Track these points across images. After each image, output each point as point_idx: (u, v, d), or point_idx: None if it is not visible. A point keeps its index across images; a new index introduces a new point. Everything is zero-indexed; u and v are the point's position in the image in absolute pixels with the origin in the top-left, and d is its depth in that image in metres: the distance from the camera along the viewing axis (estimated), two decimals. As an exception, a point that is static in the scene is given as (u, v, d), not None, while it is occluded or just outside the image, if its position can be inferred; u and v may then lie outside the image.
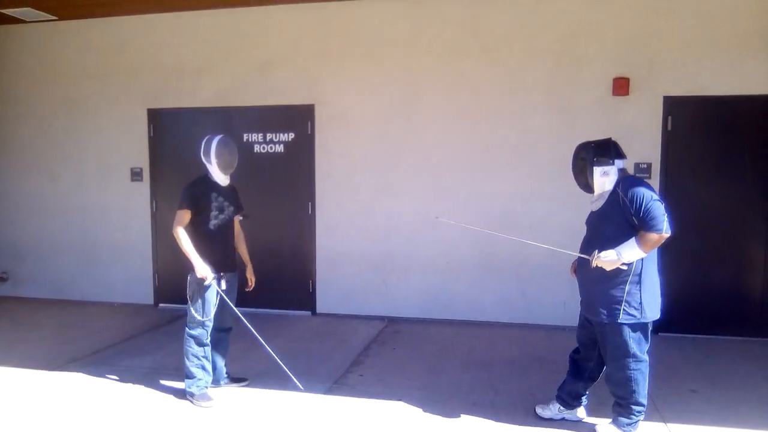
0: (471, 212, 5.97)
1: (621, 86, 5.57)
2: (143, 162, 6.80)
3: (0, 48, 7.11)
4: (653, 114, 5.57)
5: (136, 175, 6.83)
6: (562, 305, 5.81)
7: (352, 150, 6.26)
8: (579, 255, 3.52)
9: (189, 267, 3.99)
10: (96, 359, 5.01)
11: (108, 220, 6.96)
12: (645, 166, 5.53)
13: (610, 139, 3.54)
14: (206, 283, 3.96)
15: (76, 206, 7.04)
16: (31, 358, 5.00)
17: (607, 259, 3.30)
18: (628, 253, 3.28)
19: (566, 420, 3.73)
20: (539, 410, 3.82)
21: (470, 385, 4.41)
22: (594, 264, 3.34)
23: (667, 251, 5.52)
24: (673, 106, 5.54)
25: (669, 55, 5.51)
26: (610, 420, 3.55)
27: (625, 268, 3.31)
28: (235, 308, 4.16)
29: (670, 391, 4.22)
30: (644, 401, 3.44)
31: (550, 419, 3.75)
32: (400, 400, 4.11)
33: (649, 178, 5.50)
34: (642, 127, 5.60)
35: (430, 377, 4.58)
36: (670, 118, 5.55)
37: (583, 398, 3.74)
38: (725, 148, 5.51)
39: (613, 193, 3.40)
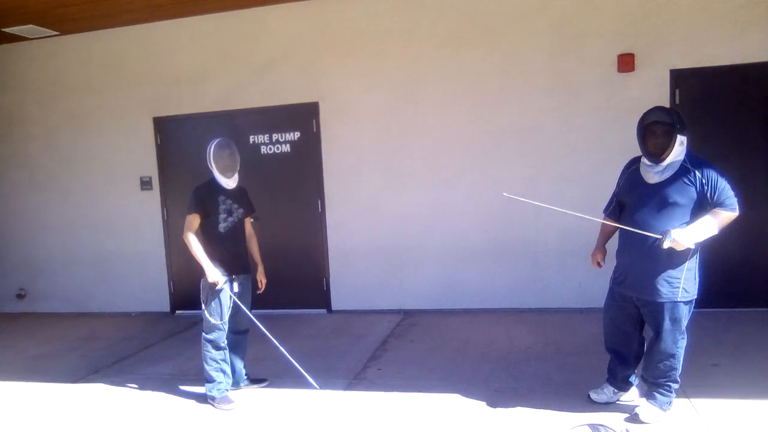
0: (481, 198, 5.95)
1: (626, 62, 5.50)
2: (152, 170, 6.84)
3: (5, 66, 7.17)
4: (660, 88, 5.49)
5: (145, 184, 6.86)
6: (578, 287, 5.79)
7: (359, 144, 6.25)
8: (651, 235, 3.24)
9: (202, 272, 4.01)
10: (117, 369, 5.05)
11: (120, 230, 7.01)
12: (653, 141, 5.47)
13: None
14: (218, 287, 3.97)
15: (88, 219, 7.10)
16: (53, 371, 5.05)
17: (684, 240, 3.14)
18: (704, 234, 3.19)
19: (620, 402, 3.68)
20: (593, 395, 3.74)
21: (490, 373, 4.39)
22: (667, 245, 3.14)
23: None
24: (680, 78, 5.47)
25: (673, 27, 5.43)
26: (648, 401, 3.48)
27: (693, 247, 3.22)
28: (248, 311, 4.17)
29: (691, 366, 4.15)
30: (678, 379, 3.44)
31: (606, 403, 3.68)
32: (420, 391, 4.11)
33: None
34: (649, 102, 5.43)
35: (449, 367, 4.57)
36: (677, 91, 5.48)
37: (633, 377, 3.68)
38: (736, 117, 5.44)
39: (683, 167, 3.24)
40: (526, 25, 5.75)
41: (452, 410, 3.79)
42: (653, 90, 5.49)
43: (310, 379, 4.01)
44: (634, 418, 3.42)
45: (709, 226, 3.20)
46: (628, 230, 3.36)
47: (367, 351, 5.07)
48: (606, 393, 3.71)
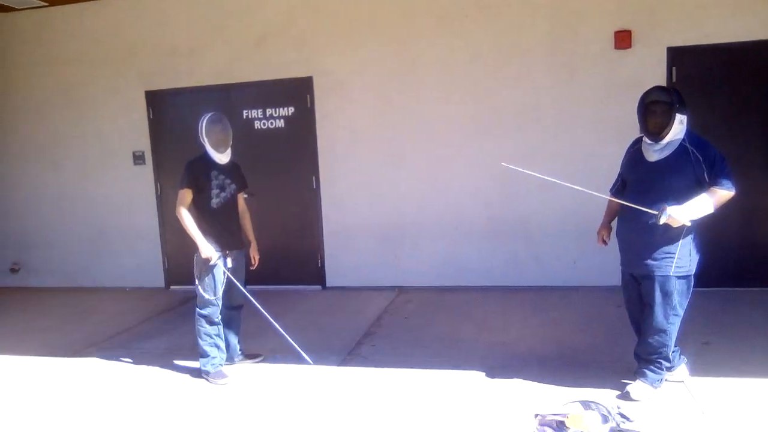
0: (478, 174, 5.93)
1: (623, 39, 5.46)
2: (145, 145, 6.78)
3: (-6, 38, 7.06)
4: (657, 66, 5.45)
5: (138, 158, 6.81)
6: (573, 265, 5.80)
7: (354, 120, 6.20)
8: (648, 211, 3.27)
9: (195, 247, 4.00)
10: (112, 343, 5.06)
11: (114, 205, 6.97)
12: (650, 119, 5.44)
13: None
14: (211, 263, 3.96)
15: (81, 193, 7.05)
16: (48, 345, 5.06)
17: (680, 216, 3.18)
18: (699, 211, 3.22)
19: (668, 381, 3.63)
20: None
21: (484, 349, 4.42)
22: (663, 221, 3.19)
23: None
24: (677, 56, 5.42)
25: (670, 4, 5.37)
26: (639, 378, 3.49)
27: (689, 224, 3.24)
28: (242, 287, 4.16)
29: (683, 344, 4.19)
30: (671, 358, 3.45)
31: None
32: (414, 367, 4.13)
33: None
34: (646, 80, 5.43)
35: (443, 344, 4.59)
36: (674, 69, 5.44)
37: (677, 355, 3.64)
38: (732, 96, 5.41)
39: (682, 145, 3.29)
40: (524, 1, 5.67)
41: (446, 386, 3.81)
42: (650, 67, 5.45)
43: (304, 355, 4.02)
44: (625, 396, 3.44)
45: (705, 204, 3.23)
46: (626, 207, 3.40)
47: (361, 327, 5.08)
48: None
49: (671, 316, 3.39)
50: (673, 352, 3.59)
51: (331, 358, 4.37)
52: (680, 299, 3.39)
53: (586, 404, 3.25)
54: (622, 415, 3.14)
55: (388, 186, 6.20)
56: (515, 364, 4.08)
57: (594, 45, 5.56)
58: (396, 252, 6.28)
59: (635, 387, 3.46)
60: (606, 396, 3.47)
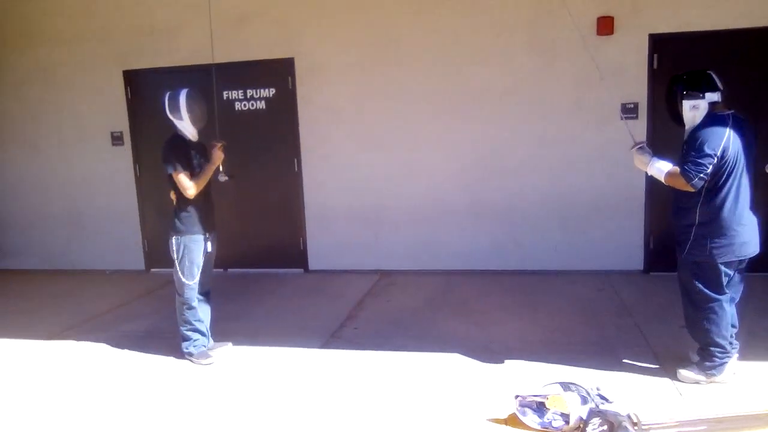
0: (459, 157, 5.94)
1: (605, 25, 5.47)
2: (123, 125, 6.67)
3: (-34, 15, 6.86)
4: (639, 52, 5.48)
5: (116, 139, 6.70)
6: (553, 250, 5.86)
7: (336, 103, 6.16)
8: (633, 138, 3.59)
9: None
10: (93, 326, 5.02)
11: (92, 186, 6.86)
12: (632, 105, 5.47)
13: (704, 70, 3.41)
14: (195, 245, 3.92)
15: (60, 175, 6.92)
16: (27, 328, 5.00)
17: (641, 157, 3.43)
18: (654, 168, 3.37)
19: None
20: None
21: (465, 332, 4.46)
22: (631, 149, 3.50)
23: (654, 191, 5.56)
24: (659, 43, 5.45)
25: (653, -10, 5.40)
26: (695, 363, 3.50)
27: (645, 170, 3.43)
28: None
29: (661, 328, 4.29)
30: (723, 342, 3.36)
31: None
32: (396, 350, 4.16)
33: (636, 117, 5.44)
34: (628, 67, 5.52)
35: (424, 327, 4.63)
36: (656, 56, 5.48)
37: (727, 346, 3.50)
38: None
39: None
40: (508, -17, 5.66)
41: (427, 369, 3.85)
42: (632, 54, 5.48)
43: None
44: (675, 375, 3.52)
45: (662, 168, 3.35)
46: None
47: (343, 310, 5.10)
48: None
49: (700, 302, 3.37)
50: (719, 344, 3.42)
51: (313, 341, 4.38)
52: (704, 285, 3.34)
53: (566, 386, 3.30)
54: (602, 396, 3.19)
55: (370, 169, 6.19)
56: (496, 347, 4.13)
57: (577, 30, 5.56)
58: (378, 235, 6.28)
59: (686, 373, 3.47)
60: (585, 377, 3.53)
